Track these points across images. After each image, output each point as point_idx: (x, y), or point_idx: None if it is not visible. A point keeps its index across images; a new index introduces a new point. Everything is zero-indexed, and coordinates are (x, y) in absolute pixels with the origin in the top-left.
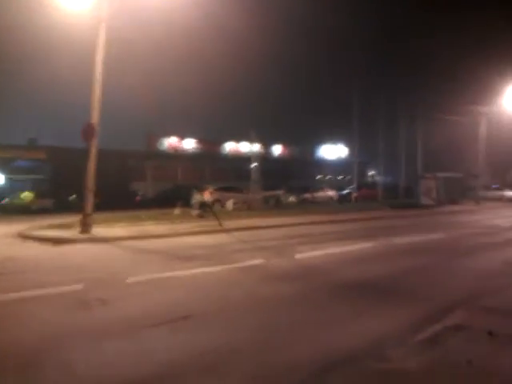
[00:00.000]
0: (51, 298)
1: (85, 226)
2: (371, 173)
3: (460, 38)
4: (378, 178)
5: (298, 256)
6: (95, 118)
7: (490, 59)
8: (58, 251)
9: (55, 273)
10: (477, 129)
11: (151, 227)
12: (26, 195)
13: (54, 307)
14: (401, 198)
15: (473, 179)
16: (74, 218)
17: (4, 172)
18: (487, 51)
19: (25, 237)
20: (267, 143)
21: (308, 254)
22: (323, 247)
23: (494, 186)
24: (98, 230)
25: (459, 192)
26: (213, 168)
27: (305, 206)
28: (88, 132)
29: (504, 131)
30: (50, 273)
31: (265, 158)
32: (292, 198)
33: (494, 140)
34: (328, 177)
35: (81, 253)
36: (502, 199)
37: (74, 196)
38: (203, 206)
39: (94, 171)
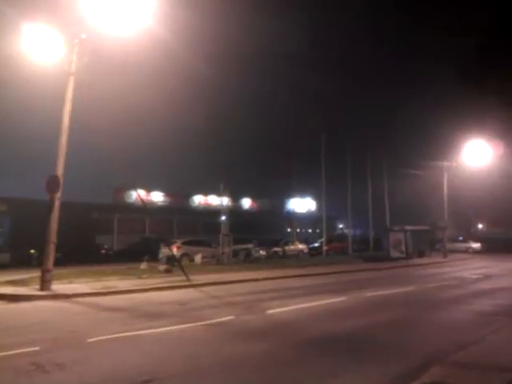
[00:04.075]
0: (2, 363)
1: (45, 282)
2: (340, 226)
3: (422, 98)
4: (347, 231)
5: (269, 312)
6: (60, 169)
7: (450, 117)
8: (14, 309)
9: (10, 333)
10: (440, 183)
11: (116, 282)
12: None
13: (4, 373)
14: (370, 250)
15: (439, 232)
16: (34, 274)
17: None
18: (448, 110)
19: None
20: (236, 196)
21: (280, 310)
22: (295, 302)
23: (459, 238)
24: (60, 286)
25: (427, 244)
26: (181, 221)
27: (276, 260)
28: (52, 184)
29: (465, 185)
30: (4, 333)
31: (234, 211)
32: (262, 252)
33: (457, 194)
34: (298, 230)
35: (39, 311)
36: (468, 251)
37: (34, 251)
38: (171, 260)
39: (56, 224)
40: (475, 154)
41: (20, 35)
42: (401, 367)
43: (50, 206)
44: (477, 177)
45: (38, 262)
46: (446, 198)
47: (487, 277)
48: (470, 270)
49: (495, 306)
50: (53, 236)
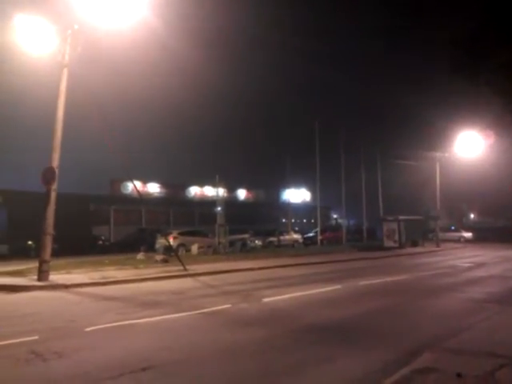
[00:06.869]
0: (1, 352)
1: (42, 273)
2: (335, 216)
3: (415, 89)
4: (342, 221)
5: (265, 300)
6: (56, 161)
7: (443, 108)
8: (13, 299)
9: (8, 323)
10: (433, 173)
11: (113, 273)
12: None
13: (4, 361)
14: (364, 240)
15: (432, 221)
16: (31, 265)
17: None
18: (440, 101)
19: None
20: (231, 187)
21: (275, 298)
22: (291, 291)
23: (451, 228)
24: (58, 277)
25: (420, 234)
26: (177, 212)
27: (271, 250)
28: (48, 175)
29: (457, 176)
30: (3, 323)
31: (230, 201)
32: (258, 242)
33: (449, 184)
34: (293, 220)
35: (37, 301)
36: (460, 240)
37: (31, 242)
38: (167, 250)
39: (52, 215)
40: (467, 145)
41: (12, 26)
42: (393, 353)
43: (46, 198)
44: (469, 167)
45: (35, 253)
46: (438, 188)
47: (479, 265)
48: (462, 259)
49: (486, 294)
50: (50, 227)
